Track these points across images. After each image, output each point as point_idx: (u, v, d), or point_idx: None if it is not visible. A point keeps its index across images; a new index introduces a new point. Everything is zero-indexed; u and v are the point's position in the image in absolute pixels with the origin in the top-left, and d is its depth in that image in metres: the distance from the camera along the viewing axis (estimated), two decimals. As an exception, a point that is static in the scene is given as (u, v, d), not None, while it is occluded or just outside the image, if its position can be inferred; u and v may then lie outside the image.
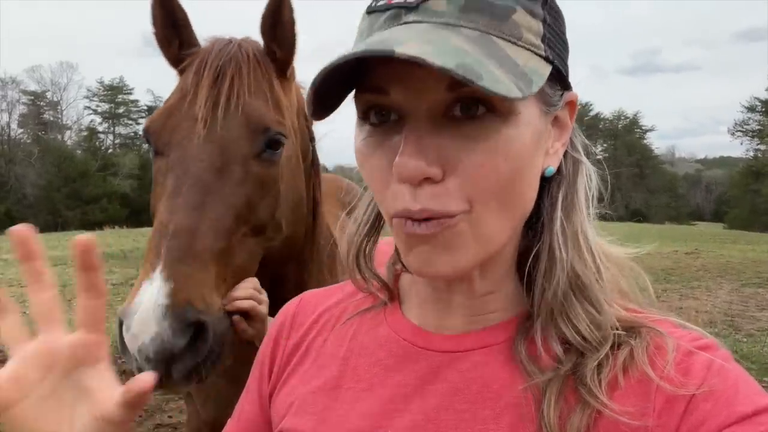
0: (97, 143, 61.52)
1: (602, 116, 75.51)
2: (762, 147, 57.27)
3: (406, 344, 0.76)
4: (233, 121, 1.45)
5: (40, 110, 61.11)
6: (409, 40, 0.56)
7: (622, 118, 76.89)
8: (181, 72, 1.59)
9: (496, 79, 0.55)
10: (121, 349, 1.25)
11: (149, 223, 1.47)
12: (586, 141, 0.77)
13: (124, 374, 0.91)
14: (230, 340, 1.37)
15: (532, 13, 0.63)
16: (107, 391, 0.63)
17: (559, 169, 0.72)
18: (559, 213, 0.71)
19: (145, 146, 1.55)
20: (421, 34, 0.58)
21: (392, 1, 0.63)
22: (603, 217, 0.77)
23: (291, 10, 1.56)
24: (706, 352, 0.63)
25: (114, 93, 63.04)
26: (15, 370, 0.61)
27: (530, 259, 0.71)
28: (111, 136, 64.49)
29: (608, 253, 0.73)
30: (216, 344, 1.30)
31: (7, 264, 13.94)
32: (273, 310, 0.96)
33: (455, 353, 0.72)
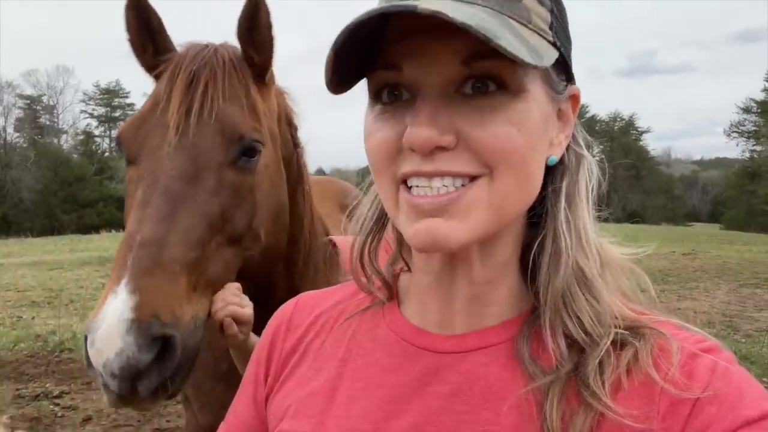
0: (93, 147, 61.40)
1: (598, 118, 75.78)
2: (758, 148, 57.48)
3: (405, 344, 0.75)
4: (206, 128, 1.41)
5: (36, 114, 61.02)
6: (431, 5, 0.57)
7: (618, 119, 77.29)
8: (156, 78, 1.56)
9: (511, 43, 0.57)
10: (86, 363, 1.21)
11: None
12: (588, 137, 0.78)
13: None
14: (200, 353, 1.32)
15: (541, 1, 0.66)
16: None
17: (561, 161, 0.73)
18: (563, 202, 0.71)
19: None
20: (440, 3, 0.59)
21: None
22: (601, 218, 0.78)
23: (267, 14, 1.52)
24: (710, 354, 0.63)
25: (110, 96, 63.05)
26: None
27: (534, 248, 0.71)
28: (107, 140, 64.37)
29: (609, 254, 0.73)
30: (185, 359, 1.25)
31: (3, 268, 13.89)
32: (265, 318, 0.94)
33: (455, 354, 0.71)
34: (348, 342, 0.80)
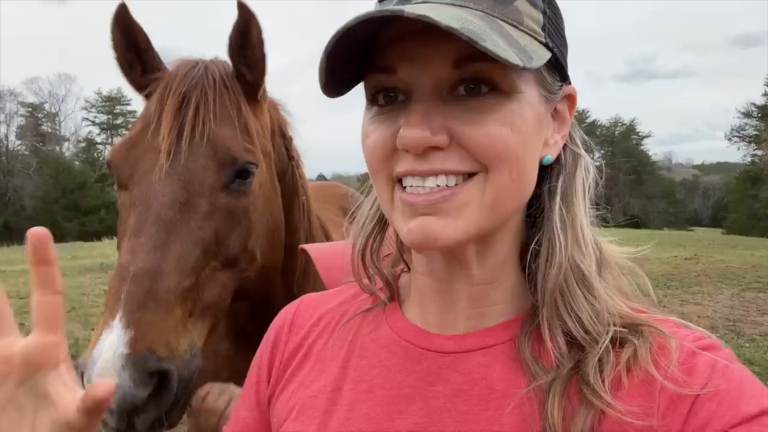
0: (95, 154, 61.61)
1: (599, 123, 75.88)
2: (759, 152, 57.45)
3: (407, 345, 0.75)
4: (198, 151, 1.38)
5: (38, 122, 61.22)
6: (418, 9, 0.58)
7: (619, 124, 77.30)
8: (146, 97, 1.52)
9: (498, 46, 0.57)
10: None
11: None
12: (585, 137, 0.79)
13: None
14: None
15: (533, 3, 0.67)
16: (68, 395, 0.60)
17: (558, 160, 0.74)
18: (558, 201, 0.72)
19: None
20: (429, 7, 0.61)
21: None
22: (603, 220, 0.79)
23: (260, 31, 1.49)
24: (710, 352, 0.63)
25: (112, 104, 63.22)
26: None
27: (531, 248, 0.72)
28: (109, 148, 64.50)
29: (608, 252, 0.74)
30: (181, 391, 1.24)
31: (5, 275, 13.90)
32: (264, 329, 0.94)
33: (457, 354, 0.72)
34: (350, 343, 0.80)
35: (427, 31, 0.58)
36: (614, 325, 0.67)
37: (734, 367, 0.62)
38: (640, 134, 76.70)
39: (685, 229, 62.05)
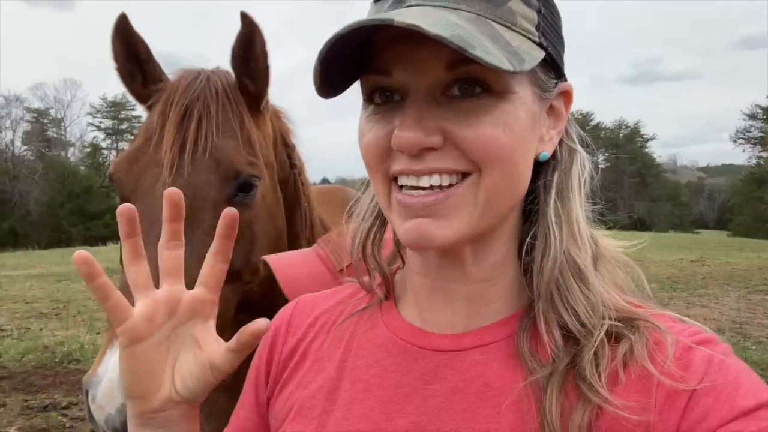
0: (100, 159, 61.82)
1: (603, 126, 75.68)
2: (764, 154, 57.20)
3: (403, 344, 0.75)
4: (201, 165, 1.37)
5: (43, 127, 61.59)
6: (409, 16, 0.59)
7: (623, 127, 77.07)
8: (148, 108, 1.51)
9: (488, 51, 0.57)
10: (89, 417, 1.20)
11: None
12: (582, 132, 0.79)
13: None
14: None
15: (527, 2, 0.67)
16: (214, 343, 0.70)
17: (554, 156, 0.74)
18: (553, 196, 0.72)
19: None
20: (421, 12, 0.62)
21: None
22: (605, 222, 0.79)
23: (263, 42, 1.47)
24: (706, 346, 0.63)
25: (117, 109, 63.48)
26: (147, 311, 0.68)
27: (527, 242, 0.73)
28: (114, 152, 64.81)
29: (604, 246, 0.74)
30: None
31: (11, 280, 13.96)
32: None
33: (454, 352, 0.72)
34: (347, 343, 0.80)
35: (419, 35, 0.58)
36: (609, 318, 0.67)
37: (730, 362, 0.62)
38: (644, 137, 76.47)
39: (691, 231, 61.81)
